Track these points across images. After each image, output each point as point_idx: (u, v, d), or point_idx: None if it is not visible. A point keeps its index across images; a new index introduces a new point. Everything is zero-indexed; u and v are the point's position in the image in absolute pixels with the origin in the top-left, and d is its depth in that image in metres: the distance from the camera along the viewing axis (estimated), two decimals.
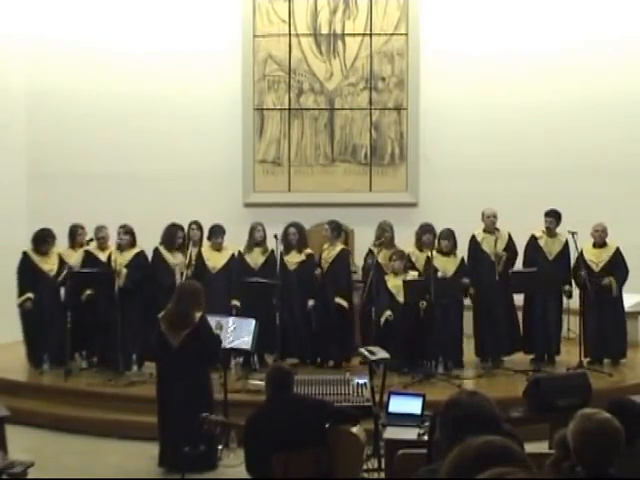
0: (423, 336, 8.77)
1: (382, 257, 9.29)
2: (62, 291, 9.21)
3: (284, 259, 9.24)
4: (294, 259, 9.28)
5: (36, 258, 9.24)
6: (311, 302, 9.17)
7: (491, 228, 9.31)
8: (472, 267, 9.19)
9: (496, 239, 9.17)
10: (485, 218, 9.33)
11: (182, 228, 9.25)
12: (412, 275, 8.97)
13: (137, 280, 8.97)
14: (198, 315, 6.76)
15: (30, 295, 9.10)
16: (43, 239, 9.23)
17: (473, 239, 9.35)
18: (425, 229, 9.23)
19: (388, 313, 8.84)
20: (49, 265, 9.21)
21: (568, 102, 11.27)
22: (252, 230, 9.35)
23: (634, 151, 11.24)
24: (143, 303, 9.03)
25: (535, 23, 11.41)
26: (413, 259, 9.17)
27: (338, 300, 9.14)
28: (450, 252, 9.09)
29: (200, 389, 6.67)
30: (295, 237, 9.27)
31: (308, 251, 9.38)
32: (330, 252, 9.34)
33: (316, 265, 9.31)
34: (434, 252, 8.96)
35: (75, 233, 9.52)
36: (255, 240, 9.31)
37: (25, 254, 9.26)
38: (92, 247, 9.38)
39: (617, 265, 9.18)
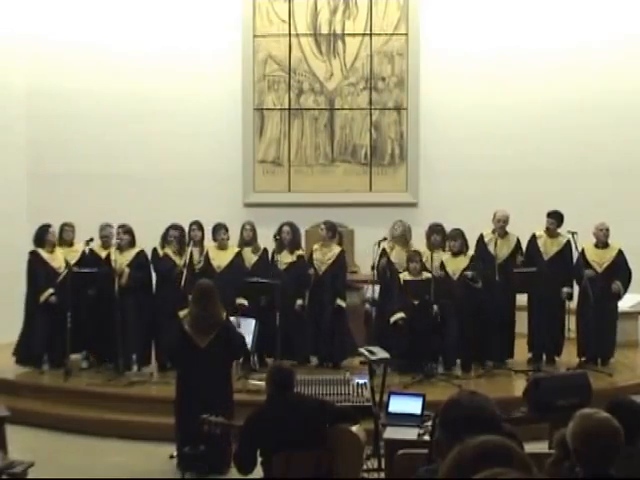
0: (436, 336, 8.74)
1: (395, 255, 9.25)
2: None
3: (276, 258, 9.22)
4: (285, 259, 9.24)
5: (45, 255, 9.22)
6: (299, 302, 9.14)
7: (500, 231, 9.24)
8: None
9: (496, 241, 9.13)
10: (495, 221, 9.25)
11: (175, 228, 9.20)
12: (426, 276, 8.92)
13: (139, 279, 8.98)
14: (224, 315, 6.78)
15: (52, 290, 9.05)
16: (41, 235, 9.21)
17: (481, 239, 9.32)
18: (433, 229, 9.17)
19: (400, 315, 8.82)
20: (58, 262, 9.19)
21: (569, 102, 11.27)
22: (241, 229, 9.38)
23: (634, 151, 11.24)
24: (143, 303, 9.04)
25: (535, 23, 11.41)
26: (424, 259, 9.13)
27: (339, 302, 9.12)
28: (460, 252, 9.06)
29: (223, 389, 6.66)
30: (288, 237, 9.24)
31: (299, 252, 9.36)
32: (327, 253, 9.30)
33: (308, 266, 9.26)
34: (446, 252, 8.97)
35: (62, 231, 9.48)
36: (244, 239, 9.31)
37: (33, 252, 9.21)
38: (95, 246, 9.36)
39: (621, 267, 9.14)
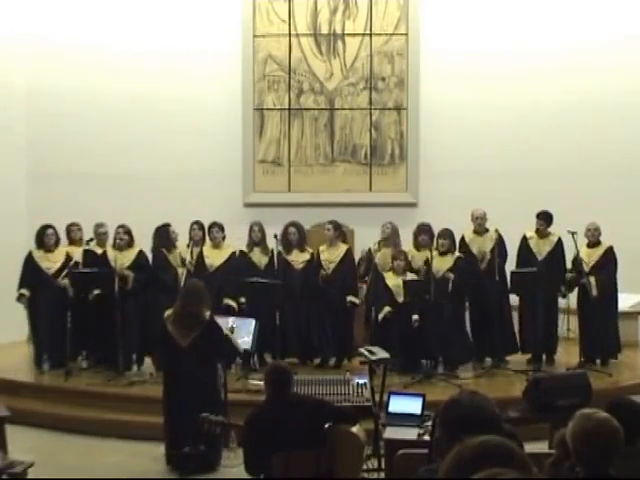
0: (422, 335, 8.76)
1: (379, 256, 9.26)
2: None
3: (287, 259, 9.23)
4: (299, 258, 9.26)
5: (38, 255, 9.23)
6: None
7: (479, 229, 9.31)
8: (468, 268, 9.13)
9: (482, 240, 9.16)
10: (474, 219, 9.32)
11: (170, 225, 9.23)
12: (410, 276, 8.97)
13: (143, 282, 8.98)
14: (207, 315, 6.77)
15: (23, 291, 9.09)
16: (41, 235, 9.23)
17: (462, 240, 9.35)
18: (421, 229, 9.21)
19: (387, 309, 8.85)
20: (49, 263, 9.18)
21: (568, 102, 11.27)
22: (249, 230, 9.38)
23: (634, 151, 11.24)
24: (144, 303, 9.04)
25: (535, 23, 11.41)
26: (409, 258, 9.16)
27: (351, 298, 9.14)
28: (447, 252, 9.06)
29: (208, 389, 6.66)
30: (295, 236, 9.25)
31: (311, 250, 9.38)
32: (334, 252, 9.30)
33: (319, 265, 9.29)
34: (434, 252, 8.97)
35: (69, 231, 9.52)
36: (252, 240, 9.32)
37: (29, 252, 9.25)
38: (92, 245, 9.36)
39: (604, 265, 9.11)
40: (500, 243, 9.24)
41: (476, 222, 9.31)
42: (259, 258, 9.31)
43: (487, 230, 9.32)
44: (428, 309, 8.69)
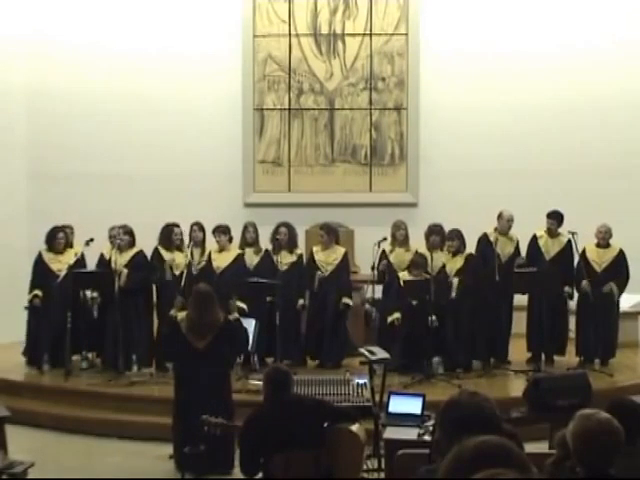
0: (434, 336, 8.73)
1: (394, 256, 9.25)
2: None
3: (276, 259, 9.21)
4: (285, 259, 9.23)
5: (47, 257, 9.23)
6: (301, 301, 9.14)
7: (507, 231, 9.30)
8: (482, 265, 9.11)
9: (496, 240, 9.14)
10: (504, 221, 9.28)
11: (178, 226, 9.24)
12: (410, 276, 8.95)
13: (137, 280, 8.96)
14: (221, 317, 6.76)
15: (37, 292, 9.08)
16: (52, 237, 9.23)
17: (485, 238, 9.30)
18: (432, 230, 9.16)
19: (397, 315, 8.82)
20: (59, 265, 9.18)
21: (568, 102, 11.27)
22: (243, 230, 9.38)
23: (634, 151, 11.24)
24: (143, 303, 9.04)
25: (535, 23, 11.40)
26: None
27: (346, 300, 9.12)
28: (457, 252, 9.05)
29: (222, 391, 6.63)
30: (285, 237, 9.23)
31: (299, 251, 9.37)
32: (331, 255, 9.30)
33: (309, 266, 9.27)
34: (444, 253, 8.97)
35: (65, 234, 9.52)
36: (246, 240, 9.32)
37: (39, 253, 9.26)
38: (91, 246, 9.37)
39: (619, 268, 9.14)
40: (518, 248, 9.30)
41: (507, 224, 9.26)
42: (251, 258, 9.30)
43: (509, 233, 9.34)
44: (444, 309, 8.68)
